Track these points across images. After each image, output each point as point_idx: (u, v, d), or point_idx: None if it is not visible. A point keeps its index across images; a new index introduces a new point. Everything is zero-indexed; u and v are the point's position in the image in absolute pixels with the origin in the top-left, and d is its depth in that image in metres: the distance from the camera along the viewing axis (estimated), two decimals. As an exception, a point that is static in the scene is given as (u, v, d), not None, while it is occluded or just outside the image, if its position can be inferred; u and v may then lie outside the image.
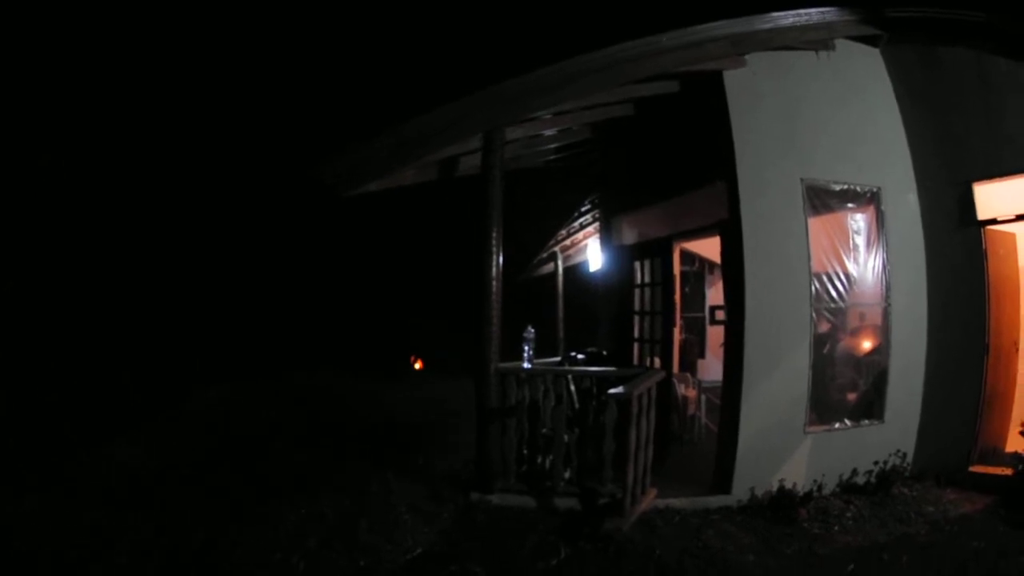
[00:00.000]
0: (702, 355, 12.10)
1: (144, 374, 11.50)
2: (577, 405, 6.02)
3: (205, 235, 17.34)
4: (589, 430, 5.67)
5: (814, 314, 5.81)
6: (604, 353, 8.09)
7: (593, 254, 11.47)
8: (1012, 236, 6.34)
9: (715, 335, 12.54)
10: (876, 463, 5.89)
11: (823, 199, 5.99)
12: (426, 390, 13.16)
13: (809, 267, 5.81)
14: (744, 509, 5.49)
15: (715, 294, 12.69)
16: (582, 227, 11.62)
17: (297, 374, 14.19)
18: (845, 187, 6.08)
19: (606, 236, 8.84)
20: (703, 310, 12.31)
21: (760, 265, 5.62)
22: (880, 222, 6.18)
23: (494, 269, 5.56)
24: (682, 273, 7.95)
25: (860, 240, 6.14)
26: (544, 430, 5.88)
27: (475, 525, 5.18)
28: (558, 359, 7.62)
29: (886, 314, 6.16)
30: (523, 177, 9.95)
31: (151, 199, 15.43)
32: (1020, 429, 5.75)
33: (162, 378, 11.58)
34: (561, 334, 12.60)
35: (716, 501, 5.57)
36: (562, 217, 11.53)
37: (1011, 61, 5.63)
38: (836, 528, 5.15)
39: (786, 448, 5.76)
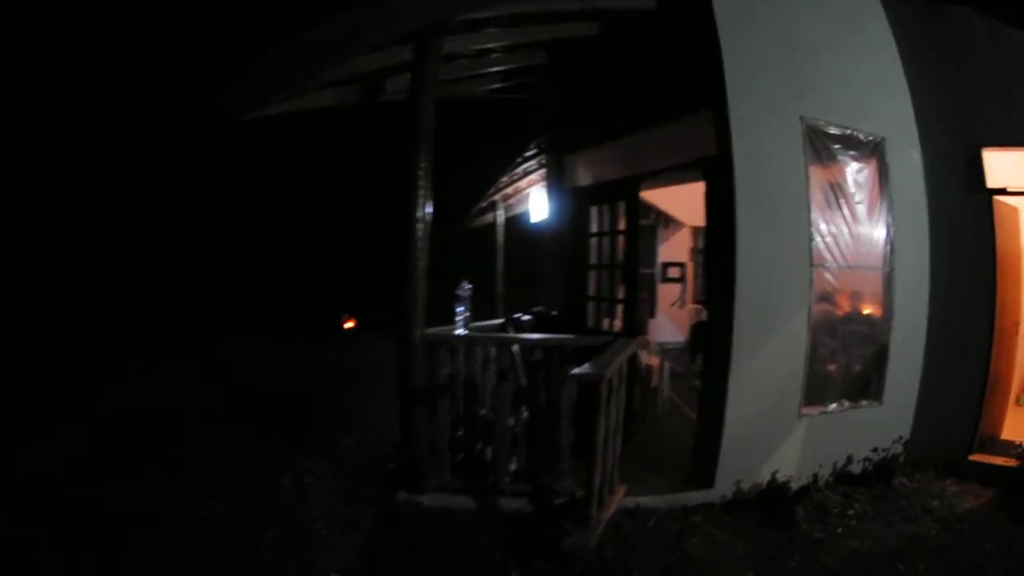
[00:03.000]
0: (652, 314, 11.34)
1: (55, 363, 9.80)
2: (524, 381, 4.89)
3: (107, 187, 15.32)
4: (541, 413, 4.60)
5: (814, 274, 4.83)
6: (553, 314, 7.02)
7: (537, 203, 10.25)
8: (1016, 210, 5.77)
9: (667, 293, 11.96)
10: (875, 450, 5.16)
11: (824, 143, 5.00)
12: (359, 352, 12.09)
13: (809, 218, 4.83)
14: (730, 507, 4.58)
15: (667, 249, 12.00)
16: (526, 174, 10.40)
17: (222, 343, 12.85)
18: (848, 132, 5.13)
19: (556, 179, 7.61)
20: (653, 266, 11.54)
21: (754, 212, 4.57)
22: (884, 176, 5.29)
23: (420, 210, 4.39)
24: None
25: (862, 195, 5.21)
26: (483, 411, 4.78)
27: (401, 537, 4.20)
28: (500, 322, 6.41)
29: (889, 280, 5.29)
30: (467, 114, 8.64)
31: (36, 144, 13.38)
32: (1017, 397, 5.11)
33: (79, 365, 9.88)
34: (500, 290, 11.57)
35: (696, 497, 4.63)
36: (507, 163, 10.23)
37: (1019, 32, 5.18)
38: (839, 530, 4.33)
39: (778, 434, 4.84)
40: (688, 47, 5.08)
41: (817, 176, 4.94)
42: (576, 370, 3.78)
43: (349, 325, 16.25)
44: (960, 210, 5.44)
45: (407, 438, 4.66)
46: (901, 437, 5.28)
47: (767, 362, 4.70)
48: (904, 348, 5.36)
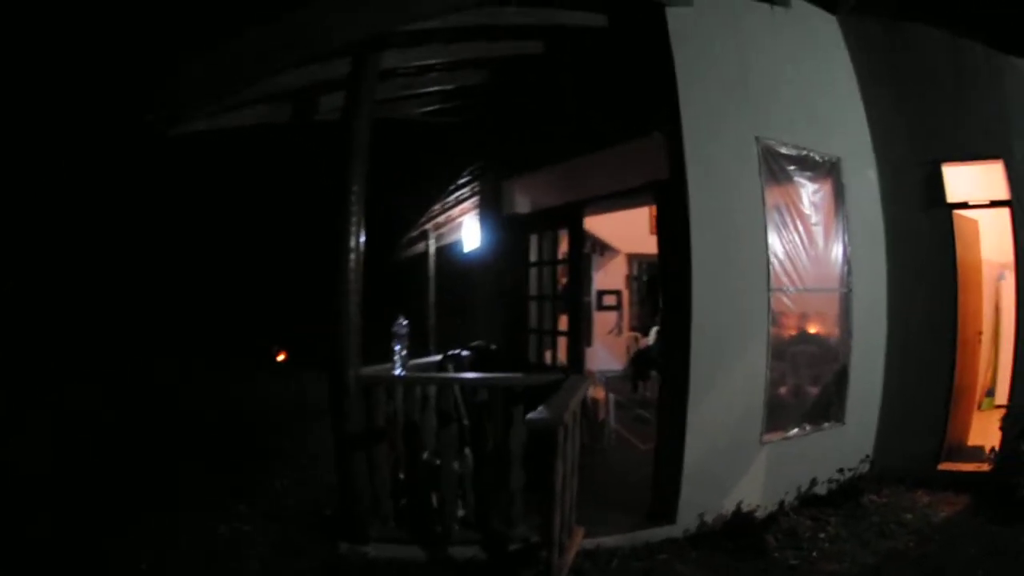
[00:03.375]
0: (588, 343, 11.14)
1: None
2: (467, 421, 4.55)
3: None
4: (488, 456, 4.25)
5: (772, 299, 4.67)
6: (493, 348, 6.68)
7: (471, 232, 9.93)
8: (975, 222, 5.87)
9: (603, 321, 11.79)
10: (840, 470, 5.09)
11: (780, 164, 4.93)
12: (292, 384, 11.37)
13: (767, 242, 4.71)
14: (695, 540, 4.35)
15: (603, 277, 11.86)
16: (459, 202, 10.00)
17: (148, 368, 12.24)
18: (804, 153, 5.09)
19: (492, 207, 7.35)
20: (589, 294, 11.37)
21: (709, 237, 4.40)
22: (840, 196, 5.28)
23: (352, 238, 4.02)
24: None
25: (818, 216, 5.16)
26: (426, 455, 4.40)
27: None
28: (438, 359, 6.01)
29: (846, 300, 5.25)
30: (401, 138, 8.31)
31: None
32: (999, 424, 5.12)
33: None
34: (432, 322, 11.20)
35: (659, 533, 4.36)
36: (439, 190, 9.87)
37: (987, 48, 5.19)
38: (814, 554, 4.17)
39: (740, 463, 4.67)
40: (640, 66, 4.92)
41: (773, 198, 4.85)
42: (531, 415, 3.45)
43: (281, 358, 15.56)
44: (920, 225, 5.42)
45: (345, 487, 4.23)
46: (867, 456, 5.24)
47: (726, 391, 4.52)
48: (864, 366, 5.33)
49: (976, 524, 4.50)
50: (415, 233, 11.08)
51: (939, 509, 4.79)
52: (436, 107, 6.38)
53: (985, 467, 5.16)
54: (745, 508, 4.56)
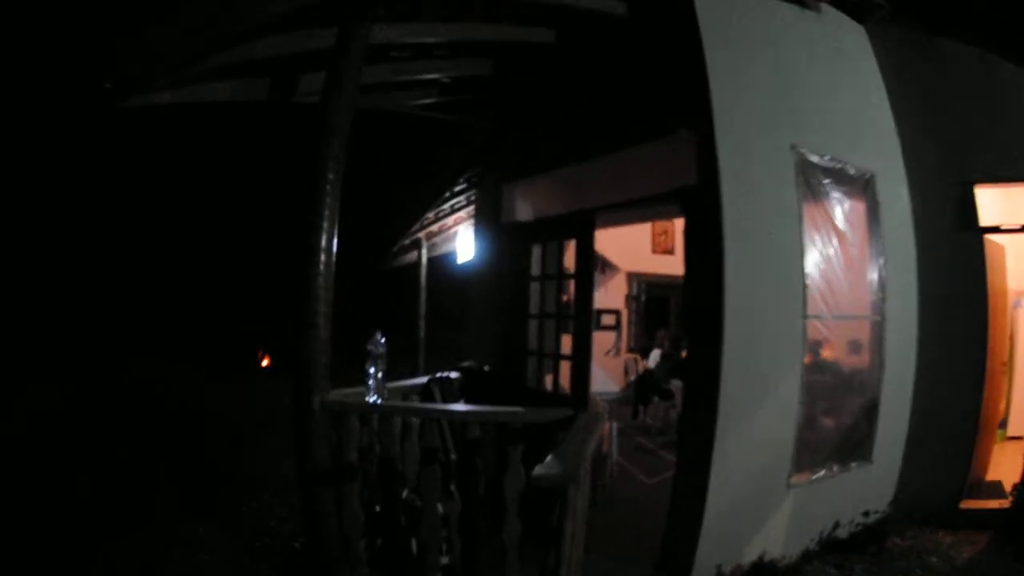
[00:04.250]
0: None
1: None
2: (454, 455, 3.93)
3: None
4: (479, 500, 3.62)
5: (808, 327, 4.09)
6: (486, 369, 5.99)
7: (466, 242, 9.33)
8: (1002, 248, 5.51)
9: (600, 341, 11.18)
10: (866, 513, 4.62)
11: (816, 177, 4.39)
12: (274, 394, 10.81)
13: (803, 261, 4.12)
14: (711, 597, 3.74)
15: (602, 295, 11.35)
16: (454, 210, 9.42)
17: (134, 369, 11.80)
18: (839, 166, 4.55)
19: (490, 214, 6.61)
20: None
21: (744, 253, 3.82)
22: (875, 216, 4.75)
23: (323, 237, 3.39)
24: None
25: (853, 236, 4.61)
26: (406, 493, 3.76)
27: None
28: (423, 381, 5.22)
29: (879, 328, 4.69)
30: (394, 138, 7.70)
31: None
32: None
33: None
34: (422, 335, 10.58)
35: (670, 589, 3.73)
36: (434, 196, 9.19)
37: (1018, 67, 4.92)
38: None
39: (765, 510, 4.10)
40: (664, 59, 4.37)
41: (809, 213, 4.27)
42: (540, 470, 2.81)
43: (265, 363, 14.83)
44: (952, 249, 5.02)
45: (312, 528, 3.60)
46: (895, 496, 4.85)
47: (756, 432, 3.93)
48: (895, 400, 4.83)
49: (1001, 562, 4.32)
50: (407, 241, 10.43)
51: (963, 549, 4.51)
52: (433, 100, 5.80)
53: (1006, 503, 4.95)
54: (768, 558, 4.03)
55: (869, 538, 4.50)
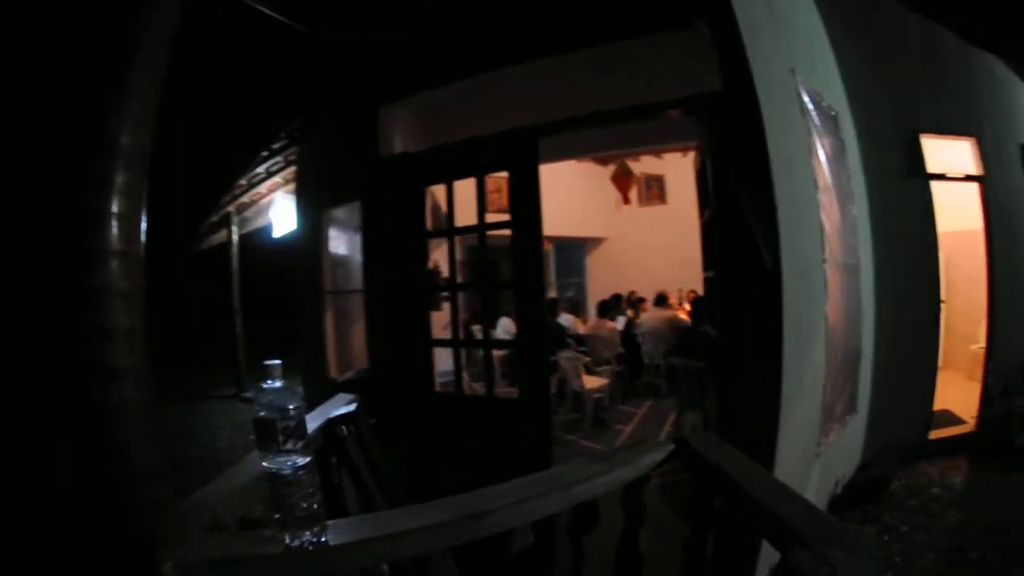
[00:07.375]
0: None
1: None
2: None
3: None
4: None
5: (827, 272, 3.59)
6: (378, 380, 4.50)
7: (287, 211, 7.74)
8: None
9: (439, 316, 10.21)
10: (864, 466, 4.66)
11: (805, 108, 3.82)
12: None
13: (817, 198, 3.59)
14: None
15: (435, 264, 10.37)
16: (269, 174, 7.82)
17: None
18: (821, 100, 4.06)
19: (353, 148, 4.82)
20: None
21: (787, 176, 3.10)
22: (842, 155, 4.39)
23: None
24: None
25: (832, 175, 4.17)
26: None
27: None
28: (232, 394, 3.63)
29: (855, 273, 4.35)
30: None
31: None
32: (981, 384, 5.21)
33: None
34: (239, 331, 8.90)
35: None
36: (251, 153, 7.28)
37: (957, 38, 5.28)
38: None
39: (802, 487, 3.49)
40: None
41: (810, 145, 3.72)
42: None
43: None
44: (902, 194, 5.09)
45: None
46: (872, 439, 4.85)
47: (804, 399, 3.34)
48: (867, 345, 4.65)
49: (996, 477, 4.60)
50: (216, 218, 8.55)
51: (953, 476, 4.72)
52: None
53: (967, 428, 5.28)
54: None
55: (876, 486, 4.41)
